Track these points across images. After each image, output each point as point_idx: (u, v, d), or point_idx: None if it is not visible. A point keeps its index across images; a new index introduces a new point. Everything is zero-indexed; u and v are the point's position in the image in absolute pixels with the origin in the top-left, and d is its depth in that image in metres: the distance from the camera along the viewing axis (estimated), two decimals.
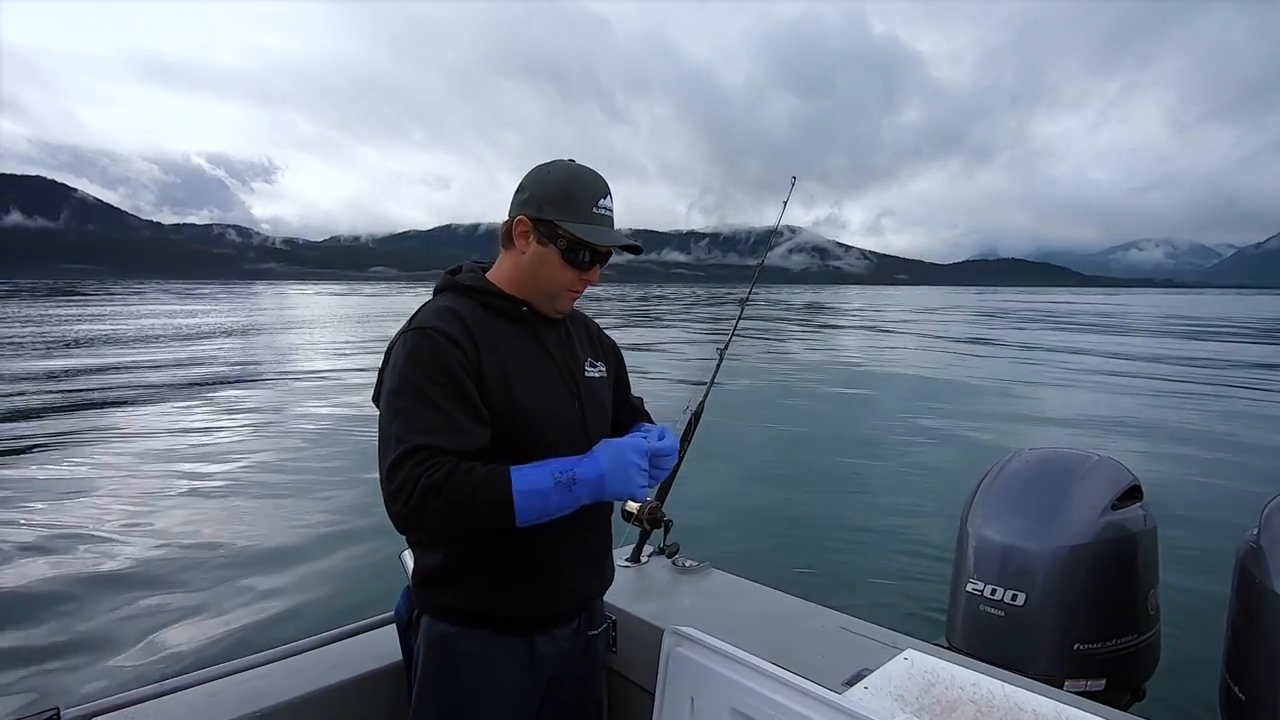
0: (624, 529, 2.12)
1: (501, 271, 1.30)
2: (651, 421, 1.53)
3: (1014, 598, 1.95)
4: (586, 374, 1.37)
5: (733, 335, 2.36)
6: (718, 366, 2.30)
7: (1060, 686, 1.83)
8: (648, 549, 2.12)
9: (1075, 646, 1.91)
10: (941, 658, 1.41)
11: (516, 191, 1.29)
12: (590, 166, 1.28)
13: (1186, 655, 2.56)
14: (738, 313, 2.46)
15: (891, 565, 4.87)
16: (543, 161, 1.29)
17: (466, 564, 1.22)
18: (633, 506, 2.07)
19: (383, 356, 1.21)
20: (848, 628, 1.62)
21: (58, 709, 1.13)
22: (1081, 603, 1.93)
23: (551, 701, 1.36)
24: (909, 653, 1.42)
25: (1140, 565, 2.01)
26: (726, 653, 1.15)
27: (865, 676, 1.34)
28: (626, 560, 2.09)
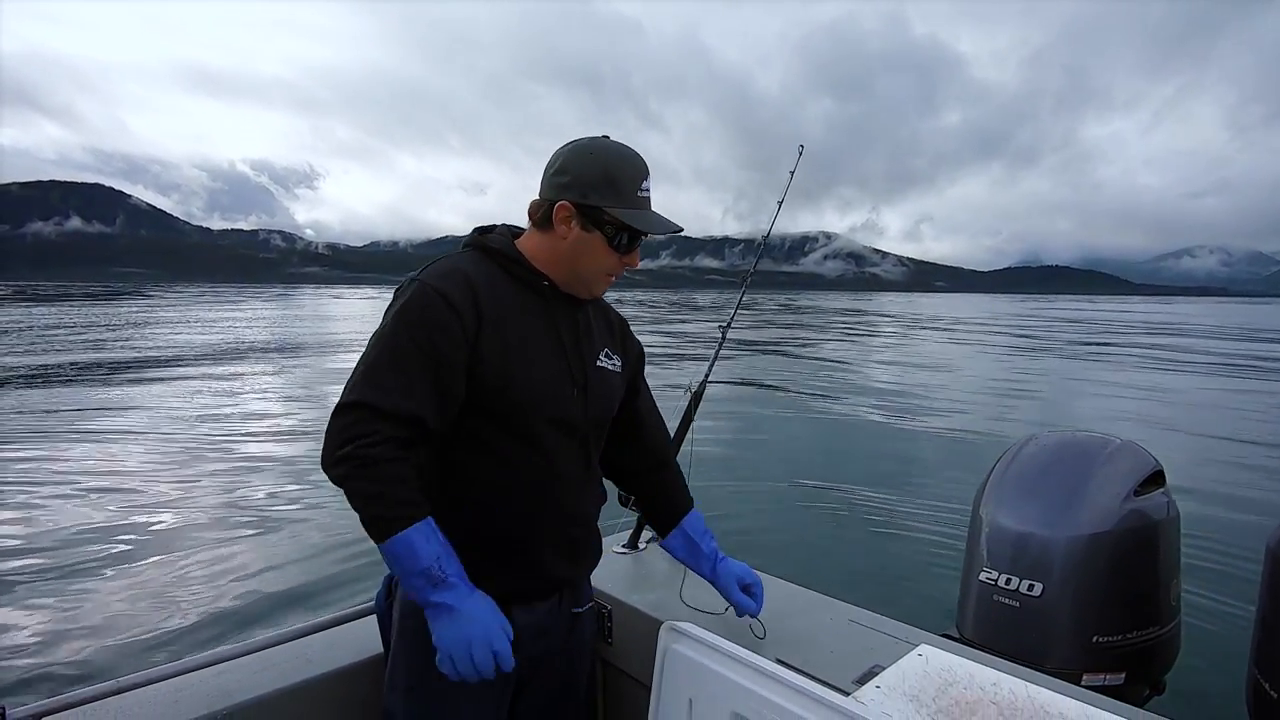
0: (621, 513, 2.04)
1: (532, 246, 1.25)
2: (691, 502, 1.52)
3: (1030, 588, 1.86)
4: (599, 363, 1.32)
5: (735, 312, 2.25)
6: (720, 344, 2.20)
7: (1078, 680, 1.75)
8: (645, 535, 2.03)
9: (1094, 639, 1.82)
10: (958, 654, 1.32)
11: (553, 172, 1.22)
12: (637, 152, 1.23)
13: (1208, 648, 2.47)
14: (740, 288, 2.35)
15: (899, 554, 4.79)
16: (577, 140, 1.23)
17: (453, 531, 1.16)
18: None
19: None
20: (857, 620, 1.53)
21: (3, 708, 1.04)
22: (1100, 593, 1.83)
23: (538, 680, 1.34)
24: (923, 648, 1.33)
25: (1162, 555, 1.92)
26: (727, 651, 1.06)
27: (877, 674, 1.24)
28: (623, 547, 2.00)
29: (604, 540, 2.06)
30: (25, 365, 15.13)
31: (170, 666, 1.23)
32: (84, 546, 5.04)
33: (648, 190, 1.23)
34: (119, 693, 1.17)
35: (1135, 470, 1.97)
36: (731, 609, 1.58)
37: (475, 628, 1.08)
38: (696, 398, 2.08)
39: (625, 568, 1.89)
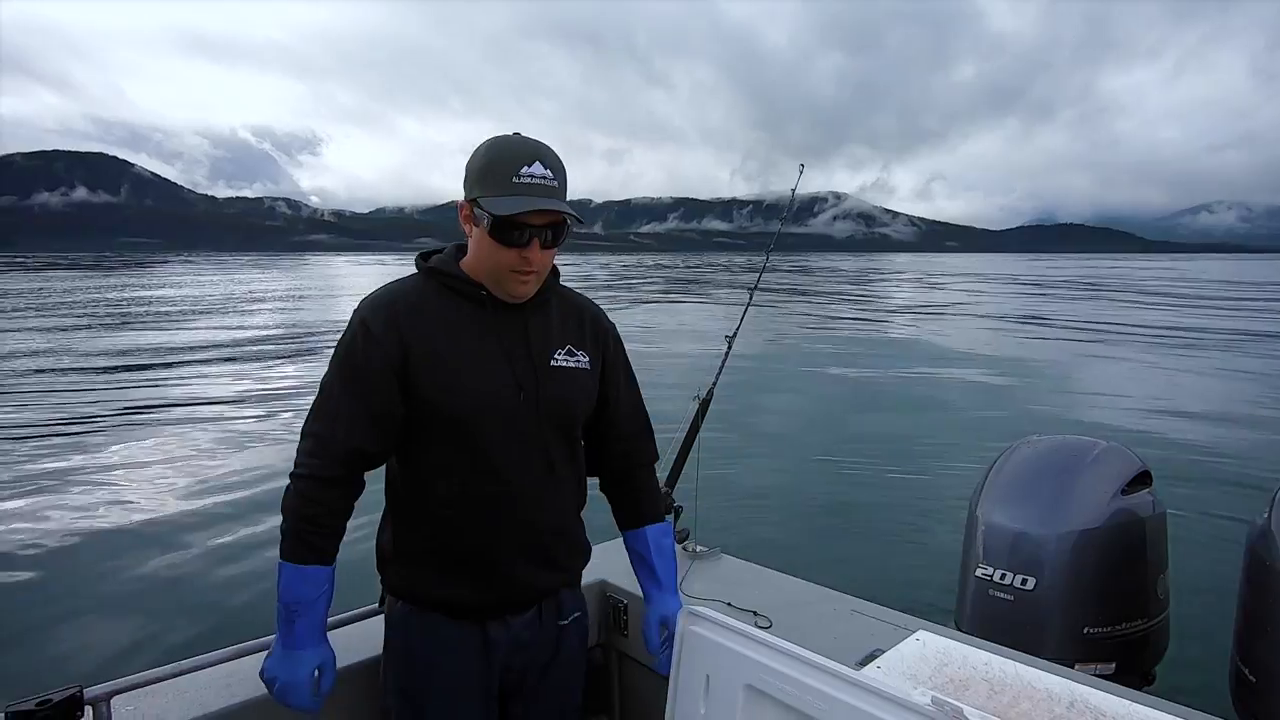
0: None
1: (468, 256, 1.26)
2: (662, 515, 1.47)
3: (1023, 582, 1.96)
4: (555, 362, 1.27)
5: (741, 322, 2.36)
6: (726, 354, 2.30)
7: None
8: None
9: (1085, 630, 1.92)
10: (953, 638, 1.42)
11: None
12: (534, 138, 1.19)
13: (1196, 639, 2.56)
14: (746, 300, 2.46)
15: (900, 551, 4.88)
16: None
17: (411, 547, 1.25)
18: None
19: None
20: (860, 610, 1.63)
21: (80, 688, 1.14)
22: (1091, 587, 1.93)
23: (530, 694, 1.33)
24: (920, 634, 1.43)
25: (1149, 550, 2.02)
26: (741, 630, 1.16)
27: (878, 657, 1.34)
28: None
29: (617, 540, 2.17)
30: (104, 348, 15.22)
31: (224, 652, 1.32)
32: (148, 535, 5.24)
33: (532, 175, 1.14)
34: (179, 675, 1.27)
35: (1122, 471, 2.07)
36: (734, 600, 1.68)
37: (286, 672, 1.17)
38: (704, 406, 2.19)
39: None
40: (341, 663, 1.38)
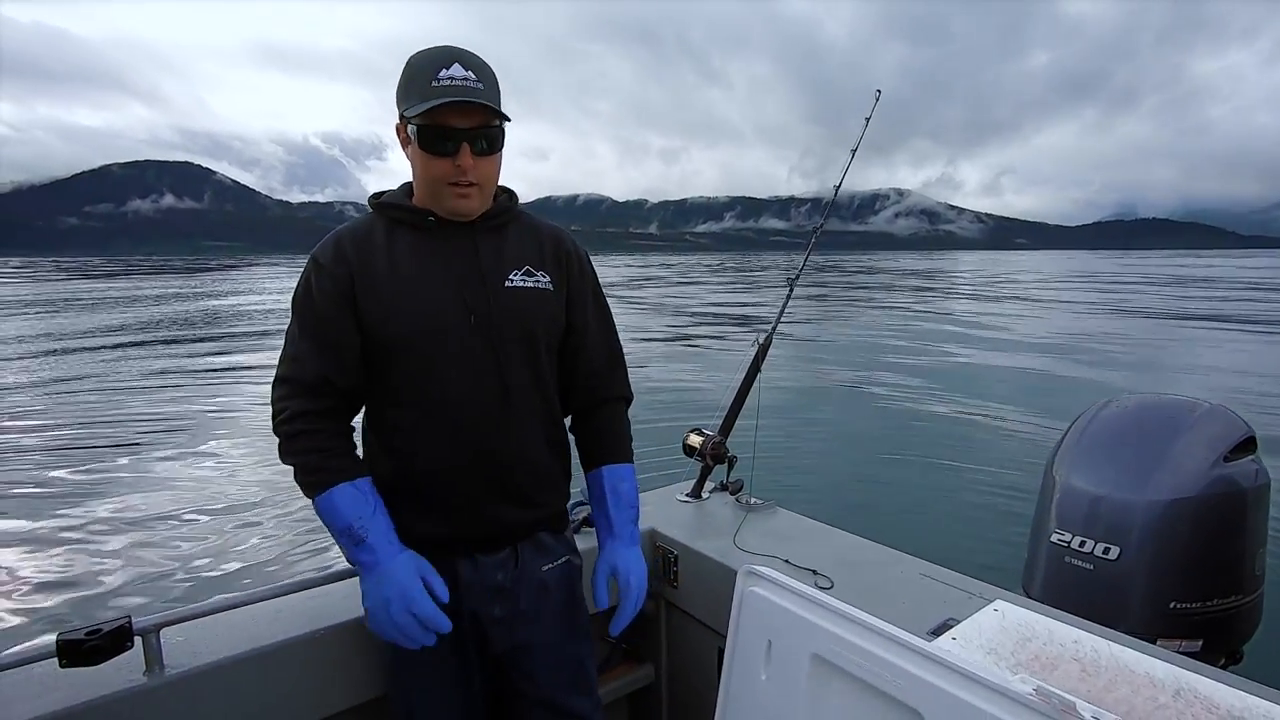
0: (685, 463, 2.06)
1: (414, 184, 1.23)
2: (626, 456, 1.34)
3: (1105, 551, 1.81)
4: (509, 283, 1.21)
5: (804, 265, 2.21)
6: (788, 297, 2.16)
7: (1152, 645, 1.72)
8: (709, 485, 2.05)
9: (1171, 605, 1.77)
10: (1032, 609, 1.31)
11: None
12: (456, 46, 1.14)
13: None
14: (808, 245, 2.30)
15: (965, 511, 4.72)
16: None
17: (383, 482, 1.19)
18: (695, 440, 2.00)
19: None
20: (928, 574, 1.52)
21: (129, 617, 1.13)
22: (1181, 560, 1.78)
23: (525, 650, 1.25)
24: (998, 604, 1.32)
25: (1249, 523, 1.84)
26: (808, 595, 1.07)
27: (952, 627, 1.24)
28: (687, 495, 2.03)
29: (668, 489, 2.10)
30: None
31: (273, 587, 1.31)
32: (204, 483, 5.45)
33: (449, 78, 1.09)
34: (229, 608, 1.26)
35: (1225, 435, 1.88)
36: (792, 558, 1.59)
37: (391, 588, 1.09)
38: (763, 350, 2.07)
39: (689, 515, 1.91)
40: (332, 620, 1.34)
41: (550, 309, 1.26)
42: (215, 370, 10.56)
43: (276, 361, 1.20)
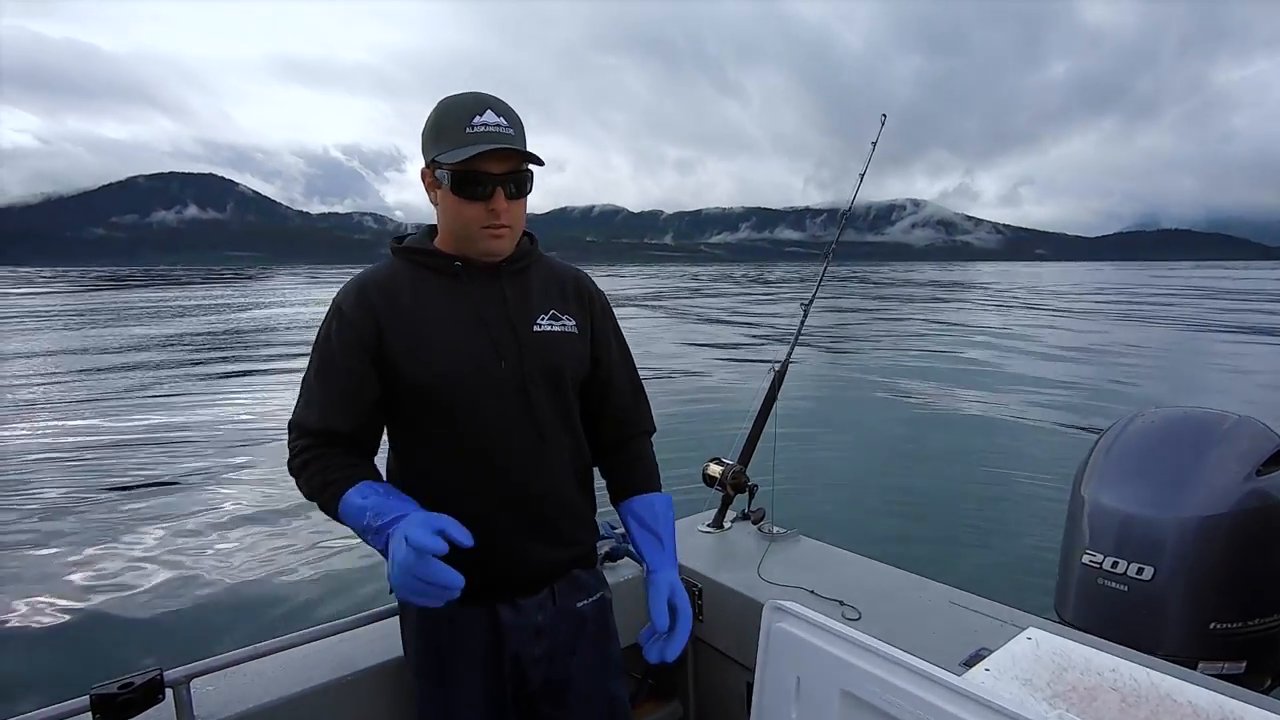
0: (706, 493, 2.04)
1: (439, 229, 1.24)
2: (655, 484, 1.36)
3: (1139, 571, 1.77)
4: (537, 327, 1.23)
5: (818, 287, 2.21)
6: (802, 321, 2.16)
7: (1194, 669, 1.66)
8: (730, 515, 2.04)
9: (1211, 625, 1.73)
10: (1069, 638, 1.28)
11: None
12: (485, 92, 1.16)
13: None
14: (822, 265, 2.30)
15: (990, 532, 4.62)
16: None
17: None
18: (715, 470, 1.99)
19: None
20: (957, 602, 1.50)
21: (160, 670, 1.14)
22: (1219, 578, 1.73)
23: (559, 687, 1.25)
24: (1031, 631, 1.29)
25: None
26: (835, 630, 1.05)
27: (985, 657, 1.22)
28: (708, 525, 2.02)
29: (689, 519, 2.09)
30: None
31: (299, 634, 1.31)
32: (229, 521, 5.46)
33: (485, 124, 1.11)
34: (258, 658, 1.26)
35: (1256, 448, 1.84)
36: (817, 588, 1.58)
37: (407, 526, 1.00)
38: (779, 376, 2.06)
39: (712, 546, 1.90)
40: (362, 664, 1.35)
41: (577, 350, 1.28)
42: (235, 391, 10.64)
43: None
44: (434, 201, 1.20)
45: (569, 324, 1.28)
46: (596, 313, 1.34)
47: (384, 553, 1.07)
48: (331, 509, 1.13)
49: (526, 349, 1.21)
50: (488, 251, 1.19)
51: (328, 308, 1.21)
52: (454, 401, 1.16)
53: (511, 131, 1.14)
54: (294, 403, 1.21)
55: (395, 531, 1.02)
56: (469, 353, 1.17)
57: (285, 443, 1.20)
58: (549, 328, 1.25)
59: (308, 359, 1.22)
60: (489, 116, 1.12)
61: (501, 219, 1.15)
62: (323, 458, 1.15)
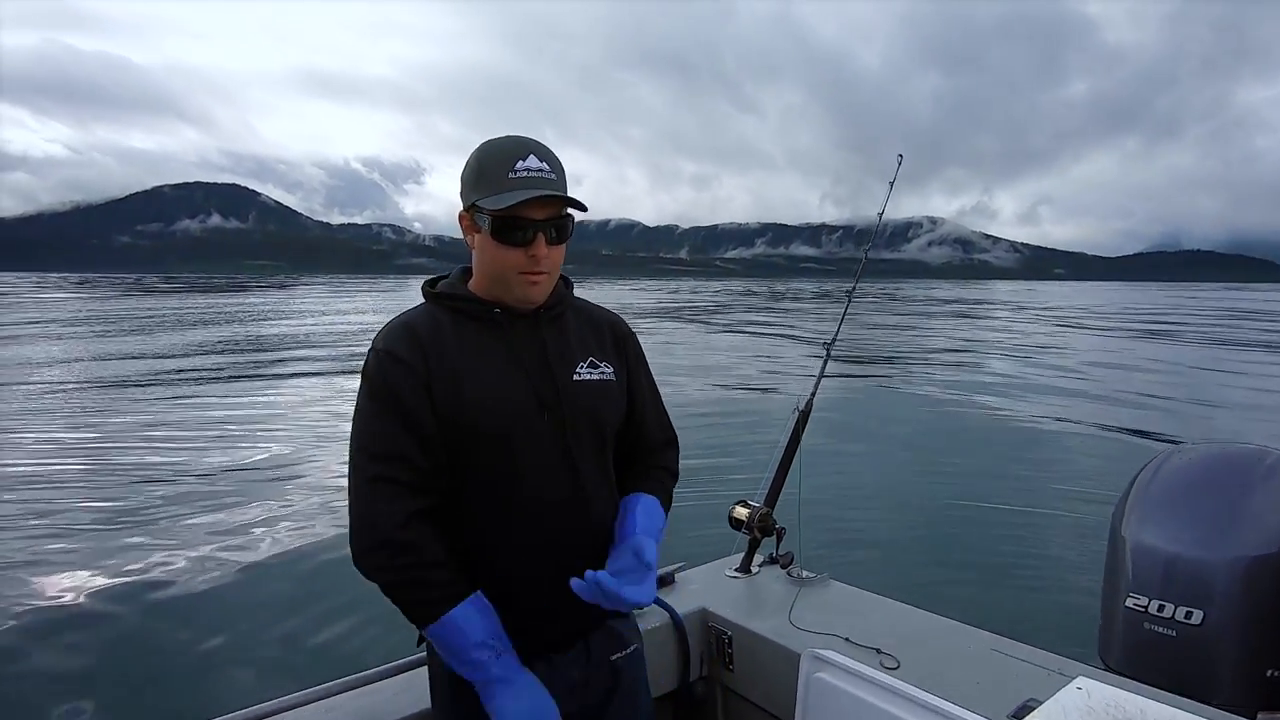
0: (734, 536, 2.00)
1: (475, 274, 1.22)
2: (667, 501, 1.30)
3: (1188, 615, 1.70)
4: (577, 376, 1.21)
5: (839, 328, 2.20)
6: (825, 362, 2.15)
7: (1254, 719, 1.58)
8: (758, 559, 1.99)
9: (1269, 673, 1.64)
10: (1122, 687, 1.22)
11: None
12: (527, 136, 1.15)
13: None
14: (843, 306, 2.30)
15: (1028, 574, 4.45)
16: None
17: None
18: (741, 513, 1.95)
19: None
20: (999, 649, 1.44)
21: None
22: (1274, 622, 1.66)
23: None
24: (1081, 681, 1.23)
25: None
26: (879, 680, 1.02)
27: (1034, 709, 1.16)
28: (735, 570, 1.97)
29: (715, 564, 2.05)
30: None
31: (318, 689, 1.29)
32: (248, 564, 5.37)
33: (528, 170, 1.10)
34: (277, 713, 1.24)
35: None
36: (852, 635, 1.52)
37: (540, 699, 1.06)
38: (803, 418, 2.04)
39: (740, 592, 1.85)
40: (387, 718, 1.29)
41: (615, 399, 1.27)
42: (257, 417, 10.58)
43: (348, 455, 1.12)
44: (471, 245, 1.19)
45: (607, 371, 1.26)
46: (631, 358, 1.33)
47: (477, 678, 1.07)
48: (421, 622, 1.08)
49: (566, 398, 1.19)
50: (525, 298, 1.17)
51: (368, 355, 1.15)
52: (497, 450, 1.14)
53: (554, 177, 1.13)
54: (351, 460, 1.12)
55: (520, 685, 1.06)
56: (512, 401, 1.15)
57: (353, 509, 1.10)
58: (588, 376, 1.23)
59: (358, 412, 1.14)
60: (532, 161, 1.11)
61: (541, 265, 1.14)
62: (429, 545, 1.09)
